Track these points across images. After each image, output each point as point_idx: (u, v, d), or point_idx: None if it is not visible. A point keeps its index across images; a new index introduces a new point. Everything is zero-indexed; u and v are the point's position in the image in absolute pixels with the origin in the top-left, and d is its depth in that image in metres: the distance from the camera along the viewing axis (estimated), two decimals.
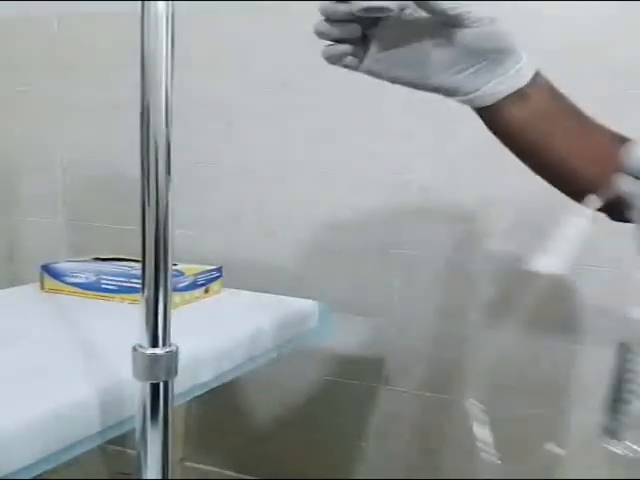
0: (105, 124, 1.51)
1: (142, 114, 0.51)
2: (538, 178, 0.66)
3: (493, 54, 0.57)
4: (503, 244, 1.26)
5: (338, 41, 0.56)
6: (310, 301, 1.16)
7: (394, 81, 0.60)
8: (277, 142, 1.40)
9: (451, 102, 0.60)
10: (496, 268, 1.27)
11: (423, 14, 0.55)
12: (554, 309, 1.23)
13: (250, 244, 1.44)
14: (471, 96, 0.59)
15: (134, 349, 0.57)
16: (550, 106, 0.62)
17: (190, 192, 1.42)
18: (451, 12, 0.54)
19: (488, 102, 0.59)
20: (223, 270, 1.20)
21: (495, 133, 0.64)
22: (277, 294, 1.18)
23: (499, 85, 0.58)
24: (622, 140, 0.63)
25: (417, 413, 1.39)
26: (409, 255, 1.33)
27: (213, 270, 1.17)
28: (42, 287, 1.15)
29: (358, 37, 0.57)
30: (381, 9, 0.52)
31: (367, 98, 1.27)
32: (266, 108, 1.39)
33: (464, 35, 0.56)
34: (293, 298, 1.16)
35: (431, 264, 1.32)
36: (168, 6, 0.49)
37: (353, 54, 0.57)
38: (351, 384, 1.42)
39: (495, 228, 1.27)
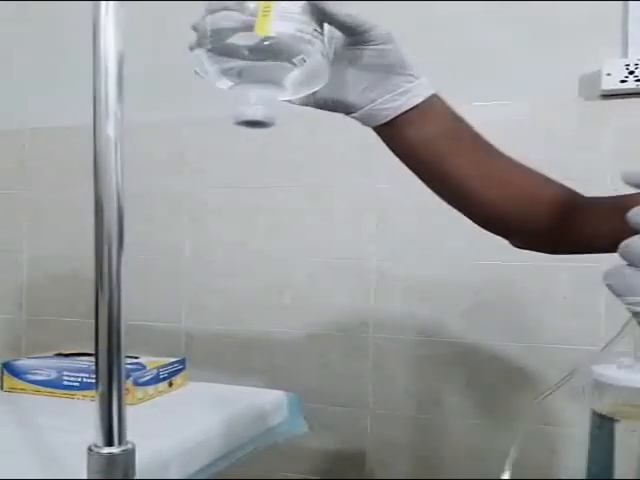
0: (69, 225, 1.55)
1: (96, 213, 0.53)
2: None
3: (384, 72, 0.59)
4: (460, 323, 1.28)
5: None
6: (279, 392, 1.13)
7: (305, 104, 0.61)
8: (238, 235, 1.43)
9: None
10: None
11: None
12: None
13: (214, 334, 1.43)
14: (364, 111, 0.60)
15: (89, 449, 0.55)
16: (448, 127, 0.62)
17: (155, 283, 1.43)
18: (356, 26, 0.56)
19: (382, 118, 0.60)
20: (187, 362, 1.18)
21: (394, 151, 0.64)
22: (244, 385, 1.15)
23: (392, 102, 0.60)
24: (523, 168, 0.65)
25: None
26: (376, 338, 1.33)
27: (176, 362, 1.15)
28: (1, 387, 1.12)
29: None
30: None
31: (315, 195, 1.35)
32: (226, 204, 1.44)
33: (360, 55, 0.58)
34: (260, 389, 1.14)
35: (400, 345, 1.32)
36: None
37: None
38: None
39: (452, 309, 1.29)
